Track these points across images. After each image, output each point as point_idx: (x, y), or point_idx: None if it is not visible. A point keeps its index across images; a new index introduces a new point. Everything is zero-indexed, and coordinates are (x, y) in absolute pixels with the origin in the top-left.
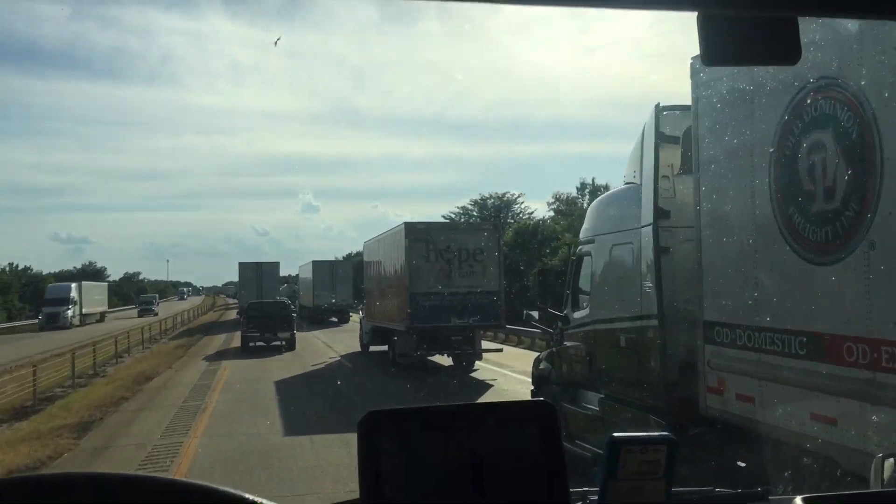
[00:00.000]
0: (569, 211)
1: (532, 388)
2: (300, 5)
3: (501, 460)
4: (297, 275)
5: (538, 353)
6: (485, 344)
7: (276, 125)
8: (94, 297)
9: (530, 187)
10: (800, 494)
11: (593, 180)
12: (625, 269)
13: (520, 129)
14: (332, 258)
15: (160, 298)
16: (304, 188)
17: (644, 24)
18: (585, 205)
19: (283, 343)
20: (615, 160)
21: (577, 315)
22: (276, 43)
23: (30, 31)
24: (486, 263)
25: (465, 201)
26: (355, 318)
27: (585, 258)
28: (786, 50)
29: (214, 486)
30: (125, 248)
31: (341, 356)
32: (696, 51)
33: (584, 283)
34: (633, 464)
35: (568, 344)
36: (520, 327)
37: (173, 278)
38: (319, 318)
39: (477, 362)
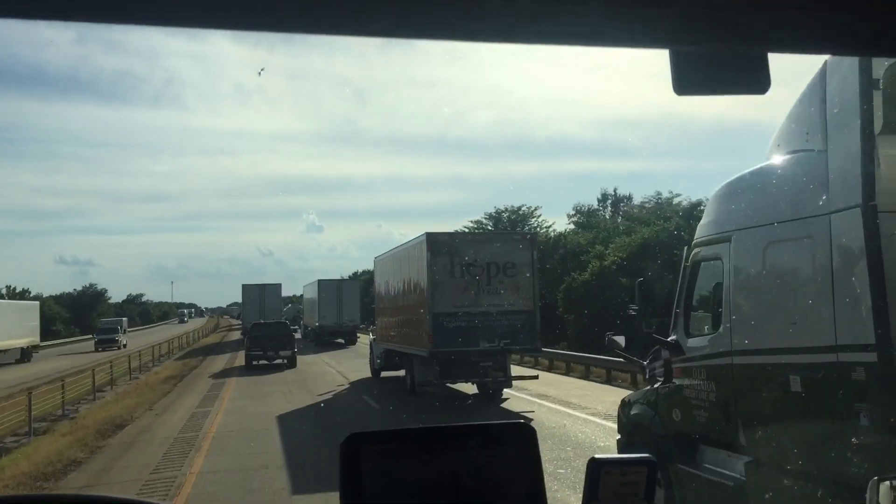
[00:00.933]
0: (589, 223)
1: (619, 437)
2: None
3: (481, 481)
4: (302, 295)
5: (627, 393)
6: (516, 369)
7: (280, 146)
8: (7, 324)
9: (533, 204)
10: None
11: (615, 191)
12: (797, 277)
13: (521, 148)
14: (339, 277)
15: (164, 320)
16: (308, 208)
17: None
18: (608, 216)
19: (285, 361)
20: (616, 177)
21: (695, 343)
22: (259, 73)
23: (34, 55)
24: (519, 279)
25: (468, 220)
26: (363, 339)
27: (708, 264)
28: (756, 81)
29: None
30: (130, 271)
31: (351, 383)
32: None
33: (704, 298)
34: (613, 485)
35: (682, 382)
36: (556, 350)
37: (178, 300)
38: (326, 339)
39: (506, 390)
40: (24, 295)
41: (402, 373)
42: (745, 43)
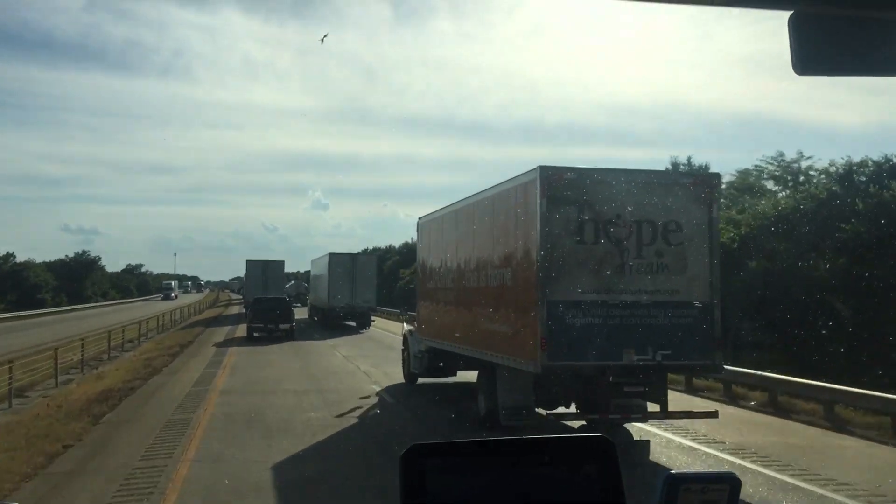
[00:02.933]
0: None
1: None
2: (313, 2)
3: (555, 500)
4: (309, 271)
5: None
6: (677, 398)
7: (288, 122)
8: None
9: None
10: None
11: (689, 159)
12: None
13: (531, 132)
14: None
15: (158, 293)
16: (314, 185)
17: (659, 31)
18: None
19: (284, 333)
20: (627, 165)
21: None
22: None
23: (43, 22)
24: (688, 249)
25: None
26: (381, 323)
27: None
28: (888, 58)
29: None
30: (134, 241)
31: (382, 390)
32: (715, 55)
33: None
34: (692, 503)
35: None
36: (751, 370)
37: (180, 272)
38: (336, 322)
39: (651, 428)
40: (7, 260)
41: (449, 379)
42: (877, 6)
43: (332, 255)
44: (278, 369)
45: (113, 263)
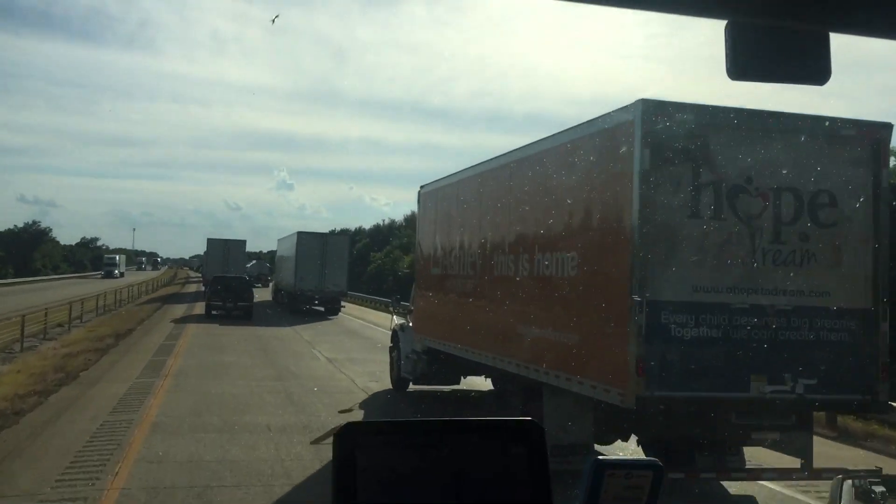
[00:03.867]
0: None
1: None
2: None
3: (483, 480)
4: (274, 251)
5: None
6: (822, 448)
7: (254, 100)
8: None
9: None
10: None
11: None
12: None
13: (499, 120)
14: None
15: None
16: (280, 165)
17: (628, 25)
18: None
19: (242, 312)
20: None
21: None
22: (273, 21)
23: None
24: (845, 232)
25: None
26: (353, 309)
27: None
28: (816, 68)
29: None
30: (92, 214)
31: (370, 397)
32: (677, 53)
33: None
34: (616, 488)
35: None
36: None
37: (139, 247)
38: (302, 306)
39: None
40: None
41: (444, 388)
42: (808, 18)
43: (300, 234)
44: (240, 375)
45: (70, 237)
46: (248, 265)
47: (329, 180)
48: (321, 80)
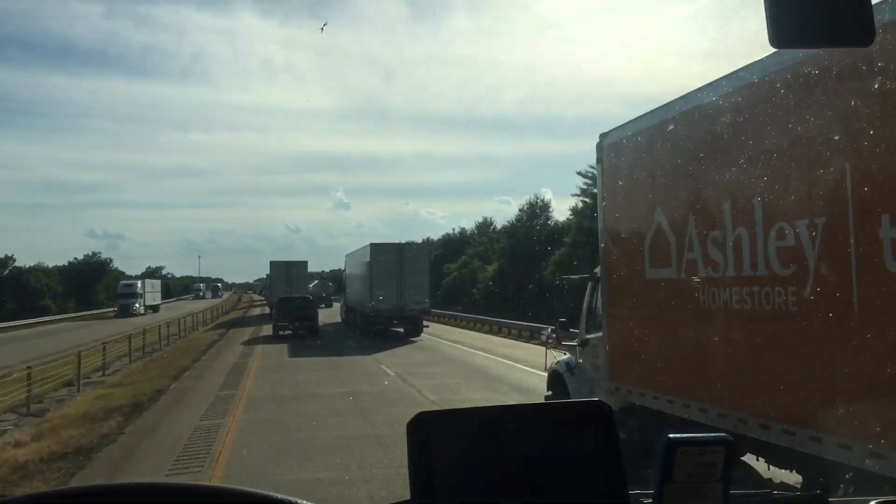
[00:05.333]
0: None
1: None
2: (330, 3)
3: (556, 462)
4: (339, 269)
5: None
6: None
7: (307, 123)
8: None
9: (562, 184)
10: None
11: None
12: None
13: (550, 127)
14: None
15: (182, 296)
16: (336, 185)
17: (677, 21)
18: None
19: (308, 332)
20: None
21: None
22: (322, 28)
23: (64, 30)
24: None
25: (497, 200)
26: (438, 329)
27: None
28: (859, 29)
29: (243, 488)
30: (159, 244)
31: None
32: (732, 45)
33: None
34: (689, 465)
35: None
36: None
37: (205, 274)
38: (379, 328)
39: None
40: (5, 264)
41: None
42: None
43: (374, 246)
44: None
45: (138, 268)
46: (311, 285)
47: (384, 197)
48: (371, 99)
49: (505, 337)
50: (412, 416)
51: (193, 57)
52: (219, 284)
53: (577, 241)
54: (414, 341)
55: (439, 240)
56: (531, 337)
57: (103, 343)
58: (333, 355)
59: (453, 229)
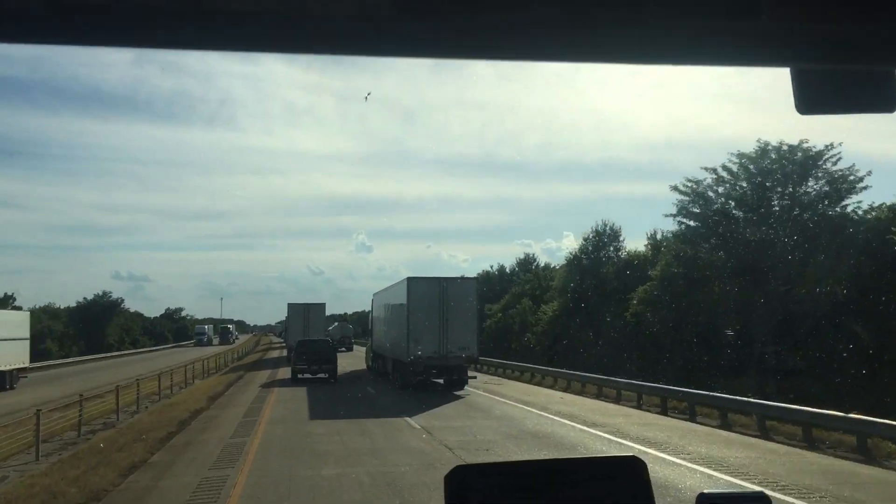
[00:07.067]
0: None
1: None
2: None
3: None
4: (369, 311)
5: None
6: None
7: (330, 166)
8: None
9: (583, 227)
10: None
11: None
12: None
13: (571, 170)
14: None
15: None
16: (358, 228)
17: (697, 67)
18: None
19: (327, 375)
20: (669, 200)
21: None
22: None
23: (94, 76)
24: None
25: (518, 243)
26: (487, 381)
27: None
28: (884, 99)
29: None
30: (183, 287)
31: None
32: (750, 91)
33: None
34: None
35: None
36: None
37: (227, 316)
38: (421, 380)
39: None
40: (7, 303)
41: None
42: (872, 60)
43: (412, 281)
44: None
45: (157, 309)
46: (331, 328)
47: (406, 240)
48: (392, 143)
49: (579, 394)
50: (449, 470)
51: (219, 102)
52: (230, 326)
53: (667, 273)
54: (460, 396)
55: (478, 275)
56: (619, 397)
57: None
58: (360, 415)
59: (491, 266)
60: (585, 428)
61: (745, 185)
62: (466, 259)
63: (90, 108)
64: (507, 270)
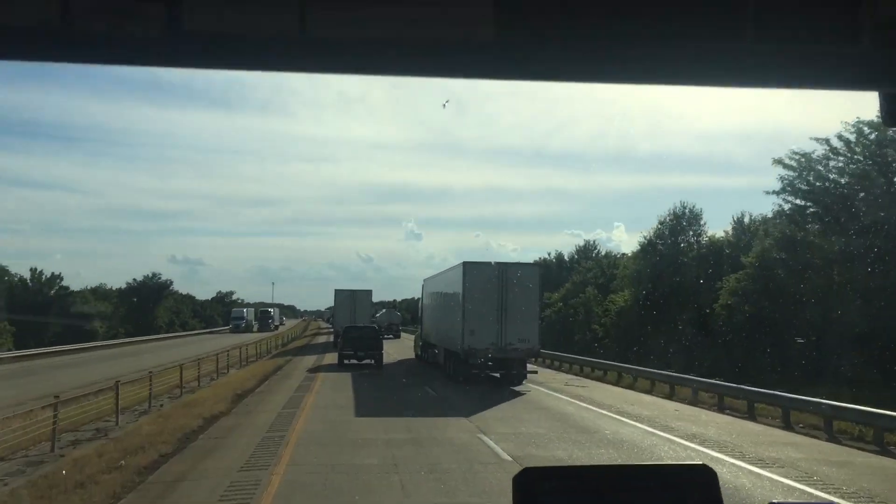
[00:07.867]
0: None
1: None
2: None
3: None
4: (419, 298)
5: None
6: None
7: (381, 155)
8: None
9: (635, 218)
10: None
11: None
12: None
13: (622, 161)
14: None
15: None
16: (408, 216)
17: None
18: None
19: (373, 361)
20: (721, 192)
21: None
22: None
23: None
24: None
25: (567, 233)
26: (547, 377)
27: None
28: None
29: None
30: (236, 271)
31: None
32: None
33: None
34: None
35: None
36: None
37: (278, 300)
38: (476, 373)
39: None
40: (52, 284)
41: None
42: None
43: (468, 266)
44: None
45: (209, 292)
46: (378, 314)
47: (455, 229)
48: (443, 132)
49: (692, 404)
50: (518, 472)
51: (273, 90)
52: (270, 311)
53: (766, 259)
54: (520, 393)
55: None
56: (751, 411)
57: None
58: (413, 414)
59: (549, 254)
60: (668, 436)
61: (862, 158)
62: (515, 248)
63: (149, 95)
64: (566, 258)
